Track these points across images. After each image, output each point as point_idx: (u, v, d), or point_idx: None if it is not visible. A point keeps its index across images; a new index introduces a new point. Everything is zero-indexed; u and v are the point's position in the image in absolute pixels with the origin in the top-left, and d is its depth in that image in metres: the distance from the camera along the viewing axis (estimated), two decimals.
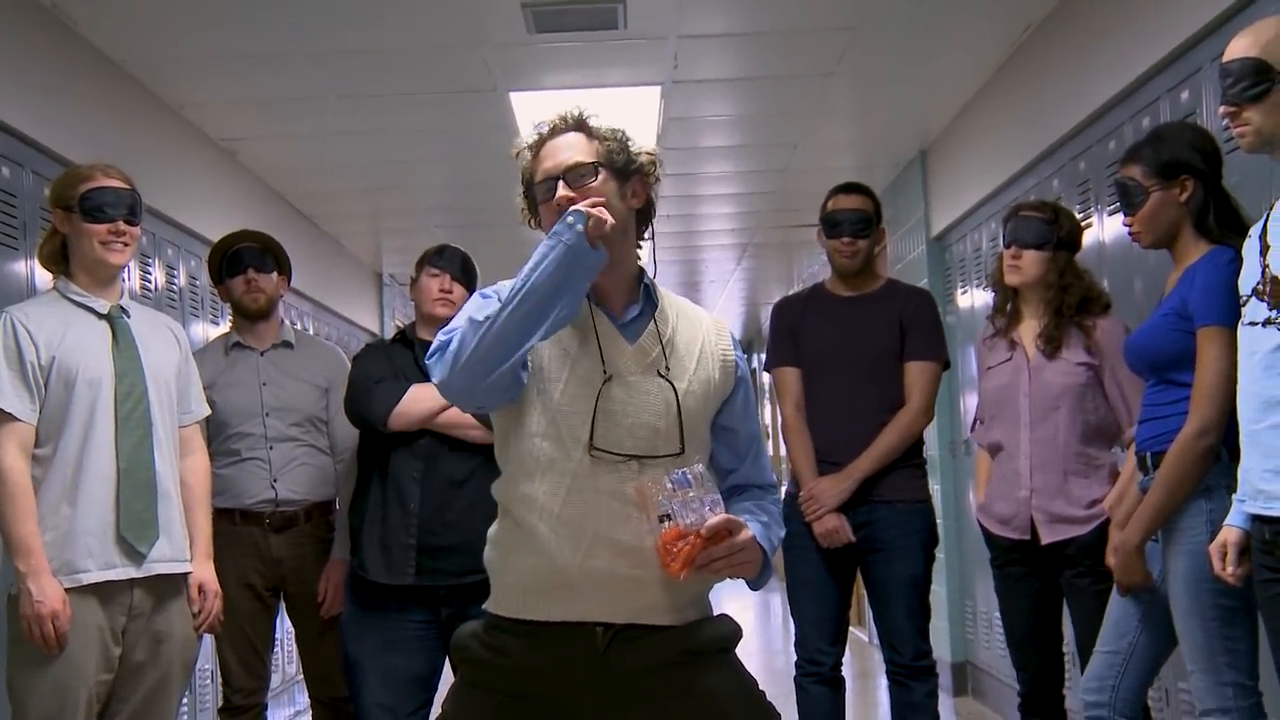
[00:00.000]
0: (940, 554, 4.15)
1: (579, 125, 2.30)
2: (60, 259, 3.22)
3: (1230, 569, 2.62)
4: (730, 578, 2.21)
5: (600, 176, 2.25)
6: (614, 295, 2.31)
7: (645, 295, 2.33)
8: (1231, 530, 2.64)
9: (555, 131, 2.31)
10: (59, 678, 2.99)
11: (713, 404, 2.33)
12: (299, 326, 6.92)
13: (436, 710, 3.57)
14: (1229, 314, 2.71)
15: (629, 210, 2.31)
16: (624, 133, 2.31)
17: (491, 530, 2.37)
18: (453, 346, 2.19)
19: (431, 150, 6.43)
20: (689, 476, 2.14)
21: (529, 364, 2.25)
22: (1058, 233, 3.53)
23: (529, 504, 2.25)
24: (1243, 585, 2.64)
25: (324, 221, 7.80)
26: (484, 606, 2.34)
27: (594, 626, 2.22)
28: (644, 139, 2.36)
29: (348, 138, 6.02)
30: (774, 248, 9.45)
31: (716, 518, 2.13)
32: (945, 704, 5.47)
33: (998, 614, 5.17)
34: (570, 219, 2.16)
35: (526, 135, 2.34)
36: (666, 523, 2.13)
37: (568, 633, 2.22)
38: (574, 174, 2.25)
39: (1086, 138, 4.47)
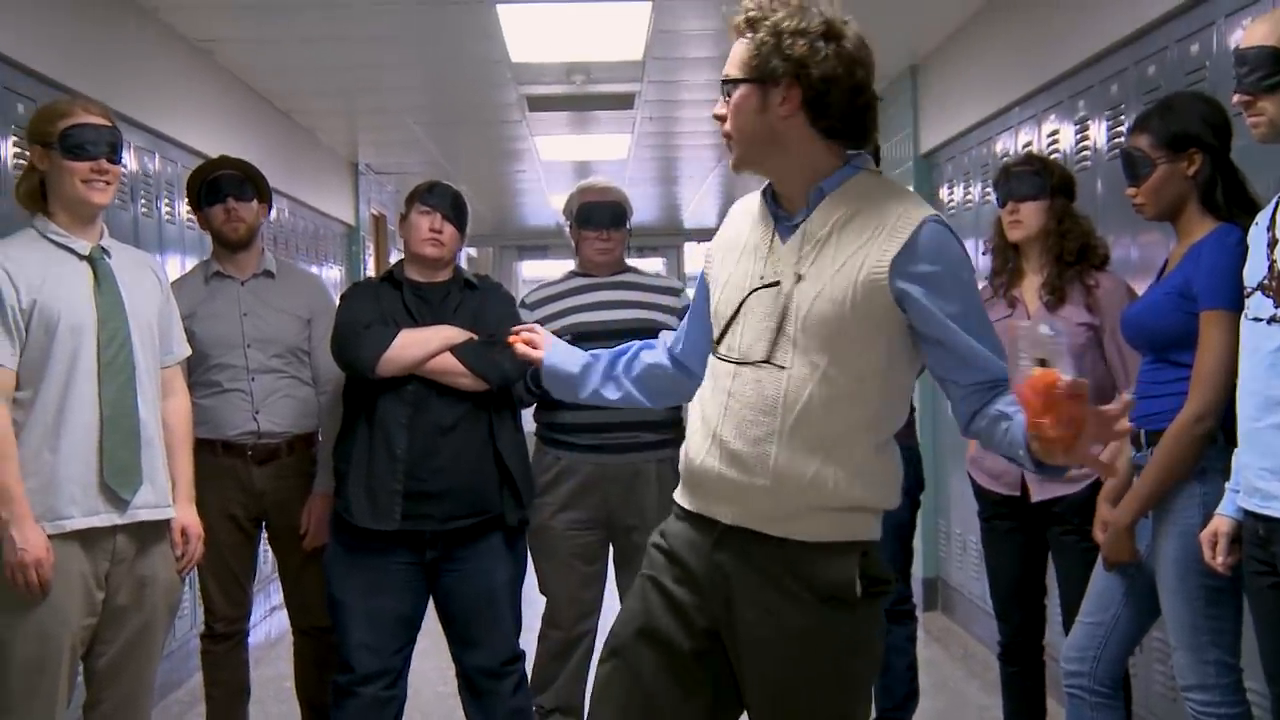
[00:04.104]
0: (923, 470, 4.16)
1: (749, 26, 2.24)
2: (39, 197, 3.12)
3: (1220, 558, 2.64)
4: (1066, 459, 2.00)
5: (740, 91, 2.22)
6: (790, 199, 2.28)
7: (817, 195, 2.25)
8: (1223, 520, 2.65)
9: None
10: (42, 623, 2.97)
11: (851, 316, 2.17)
12: (273, 217, 6.83)
13: (420, 645, 3.63)
14: (1233, 298, 2.68)
15: (778, 120, 2.20)
16: (786, 24, 2.19)
17: None
18: None
19: (411, 55, 6.28)
20: (1056, 328, 2.02)
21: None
22: (1050, 181, 3.51)
23: (697, 398, 2.35)
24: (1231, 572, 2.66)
25: (299, 116, 7.64)
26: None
27: (712, 521, 2.27)
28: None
29: (326, 42, 5.87)
30: None
31: (1079, 377, 1.94)
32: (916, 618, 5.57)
33: (972, 536, 5.26)
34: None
35: None
36: (1041, 368, 1.95)
37: (697, 522, 2.30)
38: (724, 90, 2.26)
39: (1088, 76, 4.40)
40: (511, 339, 2.70)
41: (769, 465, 2.18)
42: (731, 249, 2.34)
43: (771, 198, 2.30)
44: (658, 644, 2.30)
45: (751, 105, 2.21)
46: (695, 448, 2.30)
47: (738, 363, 2.24)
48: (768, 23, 2.19)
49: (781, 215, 2.28)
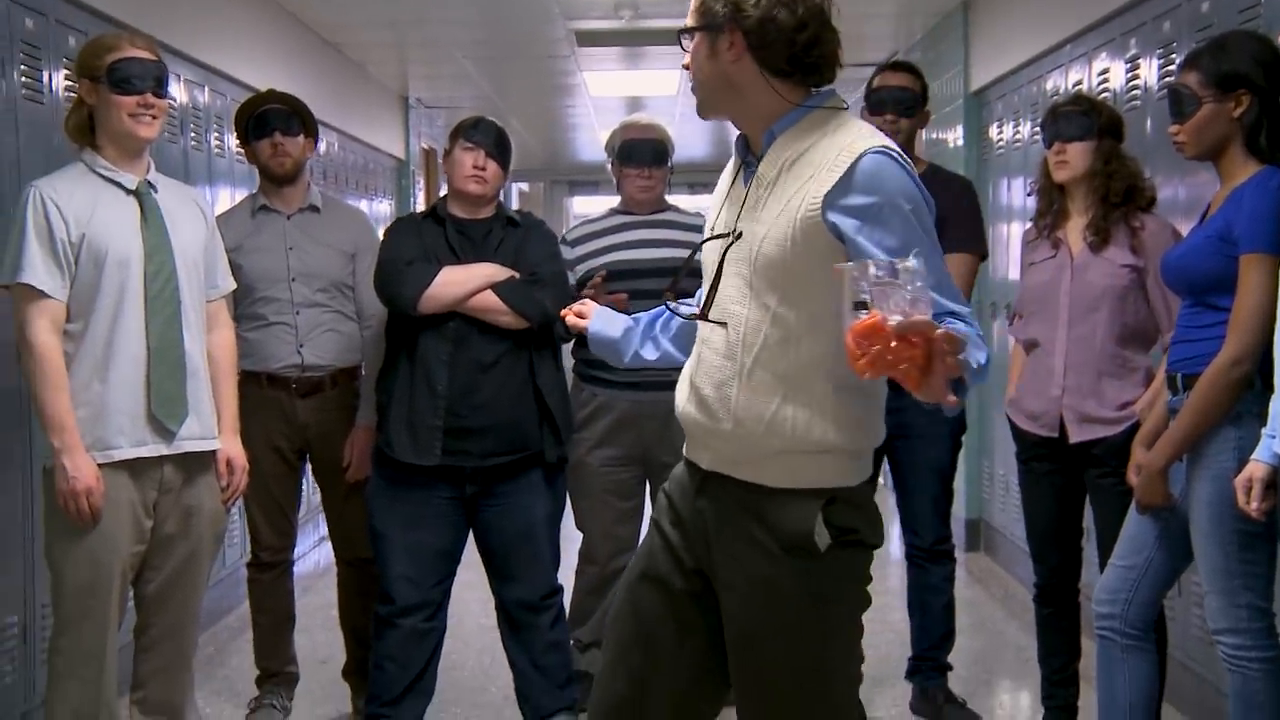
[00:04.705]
0: (965, 410, 4.13)
1: None
2: (87, 131, 3.16)
3: (1255, 504, 2.63)
4: (923, 396, 1.87)
5: (694, 40, 2.24)
6: (755, 143, 2.27)
7: (768, 138, 2.24)
8: (1259, 465, 2.64)
9: None
10: (93, 550, 3.05)
11: (793, 256, 2.14)
12: (323, 150, 6.88)
13: (464, 577, 3.69)
14: (1274, 242, 2.66)
15: (729, 65, 2.20)
16: None
17: None
18: None
19: None
20: (895, 267, 1.87)
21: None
22: (1098, 121, 3.46)
23: None
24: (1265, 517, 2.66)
25: (349, 49, 7.65)
26: None
27: (696, 466, 2.31)
28: None
29: None
30: None
31: (918, 316, 1.84)
32: (957, 559, 5.58)
33: (1014, 477, 5.25)
34: None
35: None
36: (861, 312, 1.87)
37: (688, 467, 2.35)
38: (679, 40, 2.28)
39: (1140, 13, 4.32)
40: (563, 313, 2.75)
41: (730, 408, 2.20)
42: (718, 198, 2.37)
43: (744, 144, 2.29)
44: (657, 584, 2.34)
45: (703, 53, 2.22)
46: (679, 395, 2.35)
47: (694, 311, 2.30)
48: None
49: (750, 160, 2.28)
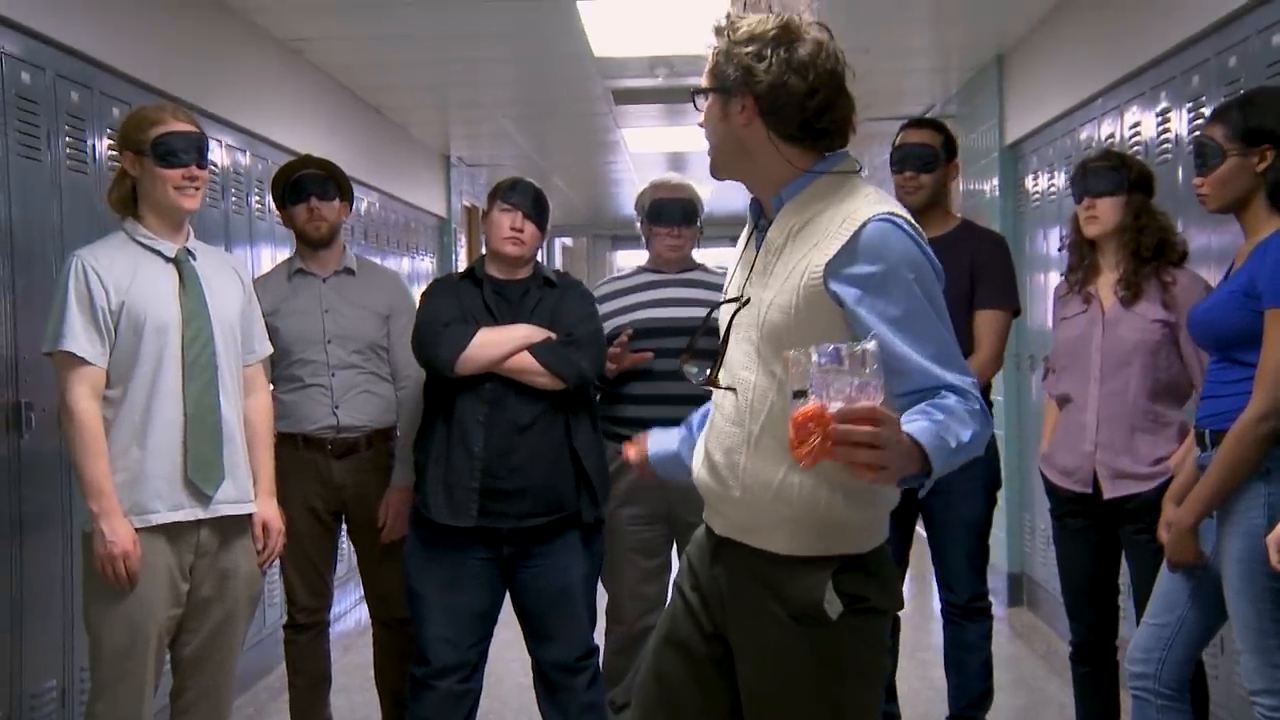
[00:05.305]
0: (1000, 465, 4.13)
1: (716, 33, 2.22)
2: (130, 203, 3.23)
3: None
4: (872, 479, 1.88)
5: (707, 101, 2.23)
6: (767, 207, 2.26)
7: (777, 203, 2.23)
8: None
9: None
10: (130, 614, 3.09)
11: (796, 323, 2.12)
12: (364, 210, 6.97)
13: (504, 637, 3.67)
14: None
15: (740, 128, 2.19)
16: (738, 34, 2.16)
17: None
18: None
19: (498, 51, 6.37)
20: (841, 353, 1.84)
21: None
22: (1128, 176, 3.47)
23: None
24: None
25: (390, 111, 7.77)
26: None
27: (711, 531, 2.33)
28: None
29: (415, 39, 5.98)
30: None
31: (861, 404, 1.82)
32: (999, 613, 5.52)
33: None
34: None
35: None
36: (801, 400, 1.85)
37: (707, 532, 2.35)
38: (693, 99, 2.27)
39: (1170, 68, 4.34)
40: (624, 455, 2.71)
41: (738, 475, 2.20)
42: (734, 261, 2.37)
43: (757, 208, 2.29)
44: (679, 649, 2.33)
45: (715, 114, 2.22)
46: (695, 460, 2.35)
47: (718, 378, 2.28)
48: (729, 29, 2.18)
49: (762, 225, 2.27)
